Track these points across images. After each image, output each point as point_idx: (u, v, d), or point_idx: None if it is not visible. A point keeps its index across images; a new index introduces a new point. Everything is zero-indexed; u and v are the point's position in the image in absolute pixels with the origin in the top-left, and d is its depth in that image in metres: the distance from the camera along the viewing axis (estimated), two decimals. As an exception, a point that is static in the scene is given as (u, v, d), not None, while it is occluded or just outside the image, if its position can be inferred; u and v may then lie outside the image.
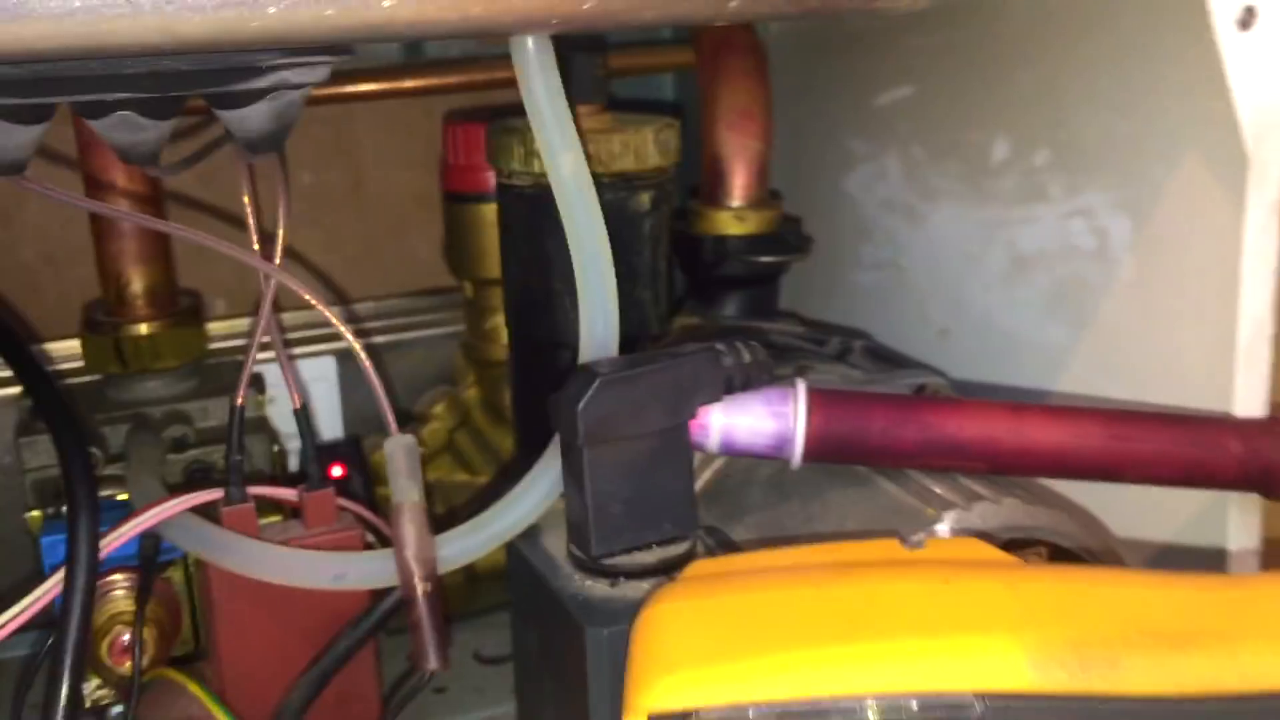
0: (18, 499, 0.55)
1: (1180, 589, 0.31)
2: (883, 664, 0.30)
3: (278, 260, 0.43)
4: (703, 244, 0.57)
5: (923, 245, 0.61)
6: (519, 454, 0.58)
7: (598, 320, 0.40)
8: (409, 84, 0.66)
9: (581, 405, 0.37)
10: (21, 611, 0.42)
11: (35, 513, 0.52)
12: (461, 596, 0.60)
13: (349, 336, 0.42)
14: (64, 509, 0.50)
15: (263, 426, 0.58)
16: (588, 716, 0.37)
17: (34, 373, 0.46)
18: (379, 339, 0.69)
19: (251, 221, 0.44)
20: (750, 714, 0.30)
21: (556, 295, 0.52)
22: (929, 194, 0.60)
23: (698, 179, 0.59)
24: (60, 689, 0.39)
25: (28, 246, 0.68)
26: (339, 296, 0.72)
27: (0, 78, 0.32)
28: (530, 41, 0.36)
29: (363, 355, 0.42)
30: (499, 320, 0.64)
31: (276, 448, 0.58)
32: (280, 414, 0.60)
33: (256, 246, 0.44)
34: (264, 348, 0.47)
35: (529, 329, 0.54)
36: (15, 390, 0.60)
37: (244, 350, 0.50)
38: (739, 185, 0.57)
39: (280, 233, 0.43)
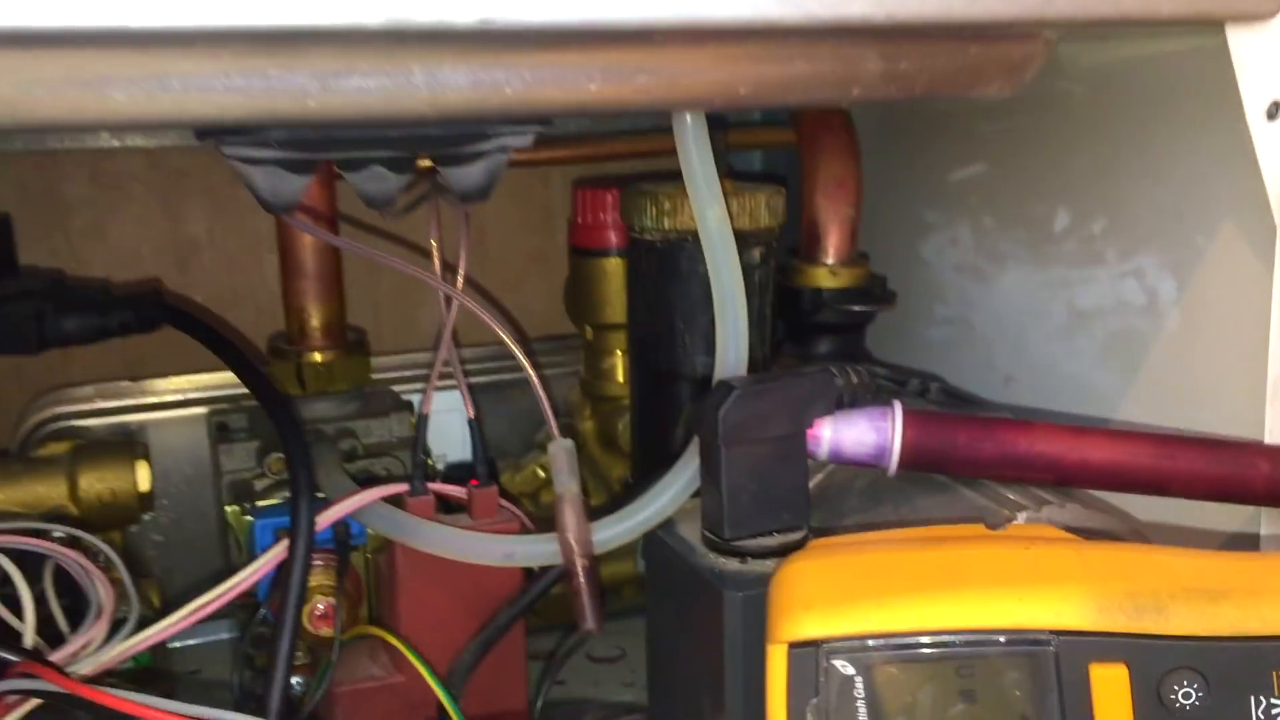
0: (216, 496, 0.65)
1: (1215, 559, 0.39)
2: (975, 605, 0.38)
3: (459, 286, 0.52)
4: (801, 295, 0.66)
5: (990, 303, 0.69)
6: (635, 473, 0.67)
7: (731, 345, 0.49)
8: (542, 155, 0.75)
9: (722, 411, 0.45)
10: (241, 581, 0.51)
11: (232, 508, 0.61)
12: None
13: (520, 355, 0.51)
14: (255, 503, 0.60)
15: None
16: (722, 670, 0.45)
17: (259, 381, 0.55)
18: (505, 376, 0.78)
19: (437, 256, 0.53)
20: (869, 643, 0.38)
21: (677, 333, 0.61)
22: (997, 258, 0.68)
23: (796, 240, 0.68)
24: (284, 637, 0.47)
25: (200, 289, 0.78)
26: (471, 339, 0.81)
27: (289, 137, 0.41)
28: (689, 117, 0.46)
29: (533, 374, 0.51)
30: (614, 360, 0.73)
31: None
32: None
33: (440, 276, 0.54)
34: (429, 375, 0.56)
35: (651, 362, 0.63)
36: (204, 410, 0.70)
37: (428, 370, 0.60)
38: (833, 245, 0.66)
39: (461, 267, 0.53)
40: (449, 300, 0.53)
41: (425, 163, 0.48)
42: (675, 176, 0.60)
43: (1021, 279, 0.66)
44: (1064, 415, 0.64)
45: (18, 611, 0.50)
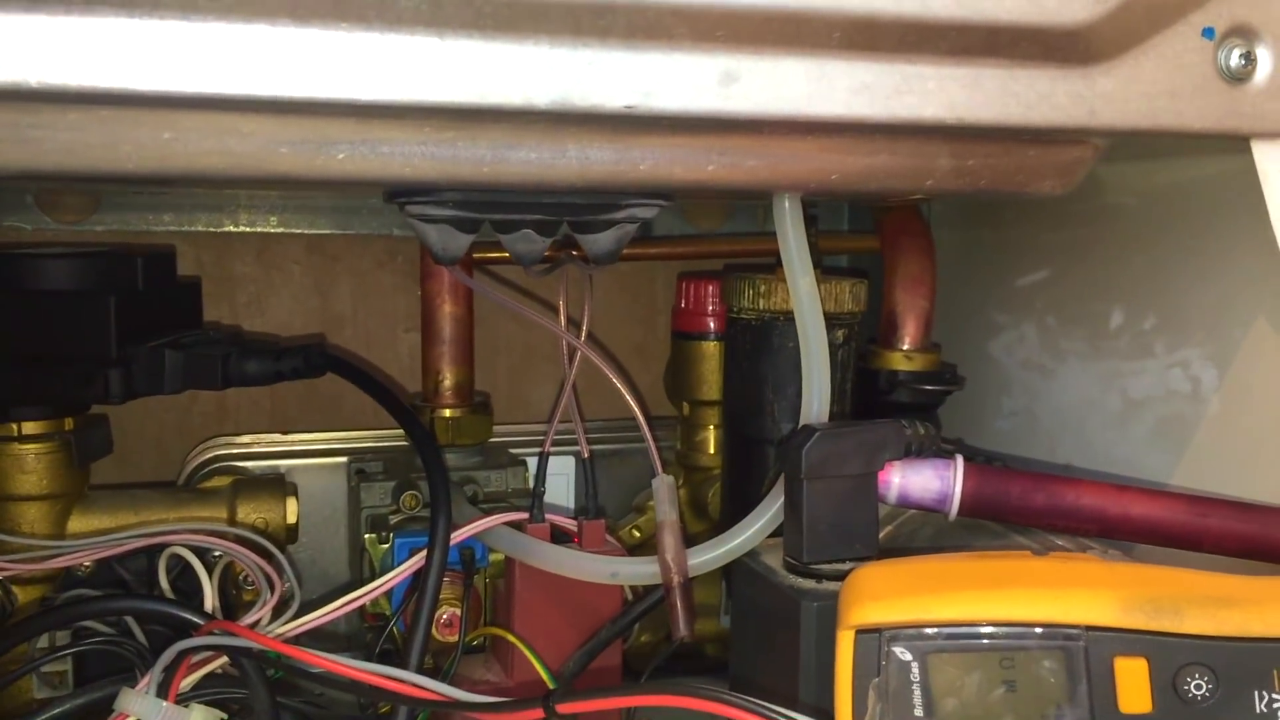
0: (349, 535, 0.74)
1: (1226, 576, 0.46)
2: (1017, 602, 0.44)
3: (583, 337, 0.61)
4: (878, 376, 0.74)
5: (1052, 396, 0.76)
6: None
7: (815, 397, 0.57)
8: (650, 251, 0.85)
9: (806, 448, 0.53)
10: (384, 583, 0.59)
11: (369, 536, 0.69)
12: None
13: (630, 398, 0.60)
14: (390, 534, 0.68)
15: (526, 492, 0.75)
16: (798, 673, 0.52)
17: (408, 417, 0.64)
18: (606, 447, 0.86)
19: (563, 312, 0.62)
20: (925, 631, 0.45)
21: (766, 402, 0.69)
22: (1059, 354, 0.75)
23: (876, 331, 0.77)
24: (418, 632, 0.55)
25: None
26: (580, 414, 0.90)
27: (462, 199, 0.51)
28: (787, 200, 0.55)
29: (639, 412, 0.59)
30: (707, 434, 0.81)
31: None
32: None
33: (565, 329, 0.63)
34: (546, 433, 0.64)
35: (742, 429, 0.71)
36: (342, 460, 0.80)
37: (537, 438, 0.69)
38: (909, 333, 0.74)
39: (584, 323, 0.61)
40: (572, 353, 0.62)
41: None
42: (766, 269, 0.70)
43: (1080, 372, 0.73)
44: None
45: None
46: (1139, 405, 0.69)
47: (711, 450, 0.81)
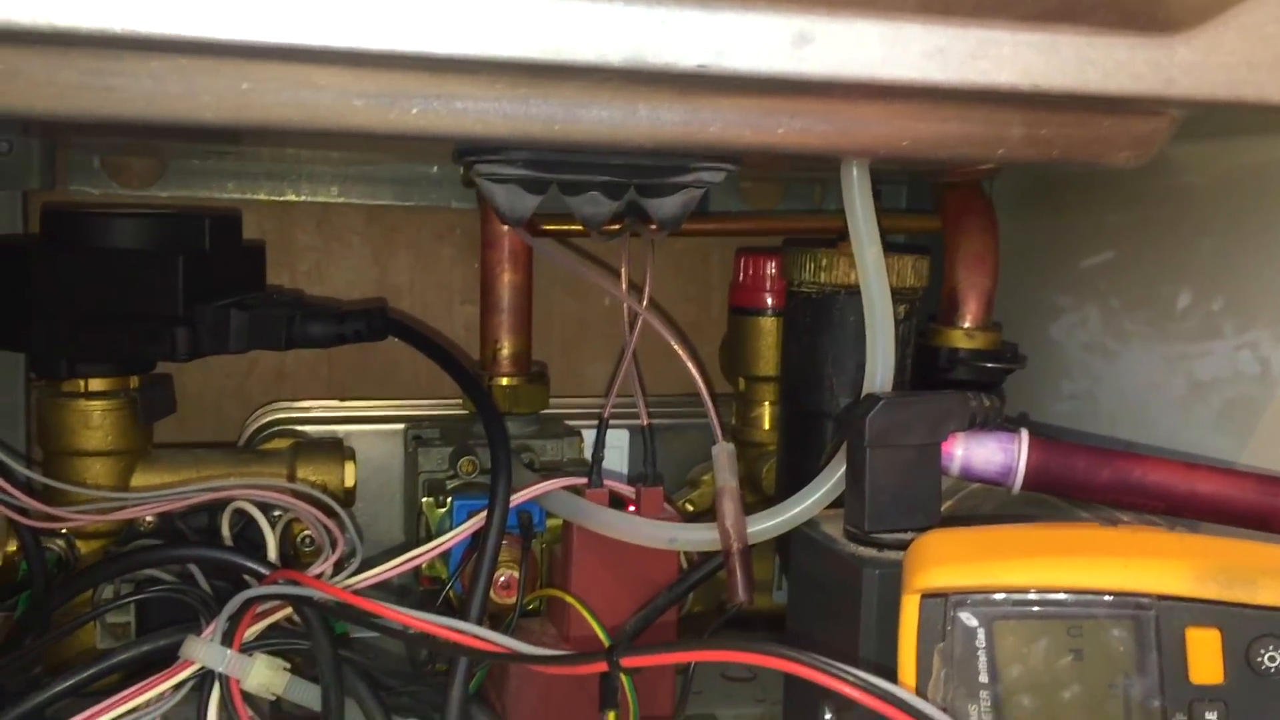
0: (405, 500, 0.74)
1: (1303, 551, 0.45)
2: (1086, 569, 0.44)
3: (644, 304, 0.61)
4: (938, 354, 0.73)
5: (1114, 378, 0.75)
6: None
7: (879, 367, 0.56)
8: (708, 227, 0.85)
9: (870, 416, 0.53)
10: (444, 542, 0.59)
11: (427, 500, 0.69)
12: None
13: (690, 364, 0.59)
14: (448, 498, 0.68)
15: (580, 462, 0.75)
16: (858, 641, 0.52)
17: (468, 379, 0.65)
18: (664, 421, 0.86)
19: (624, 277, 0.62)
20: (991, 597, 0.44)
21: (825, 376, 0.69)
22: (1122, 337, 0.74)
23: (936, 309, 0.76)
24: (479, 588, 0.56)
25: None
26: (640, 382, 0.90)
27: (531, 158, 0.51)
28: (855, 167, 0.54)
29: (699, 378, 0.59)
30: (762, 410, 0.81)
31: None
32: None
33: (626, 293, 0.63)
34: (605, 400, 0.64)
35: (801, 403, 0.71)
36: (398, 427, 0.80)
37: (592, 410, 0.70)
38: (970, 311, 0.73)
39: (646, 288, 0.61)
40: (633, 320, 0.62)
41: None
42: (825, 244, 0.69)
43: (1144, 354, 0.72)
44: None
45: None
46: (1205, 387, 0.68)
47: (766, 426, 0.81)
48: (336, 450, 0.73)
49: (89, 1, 0.39)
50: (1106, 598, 0.44)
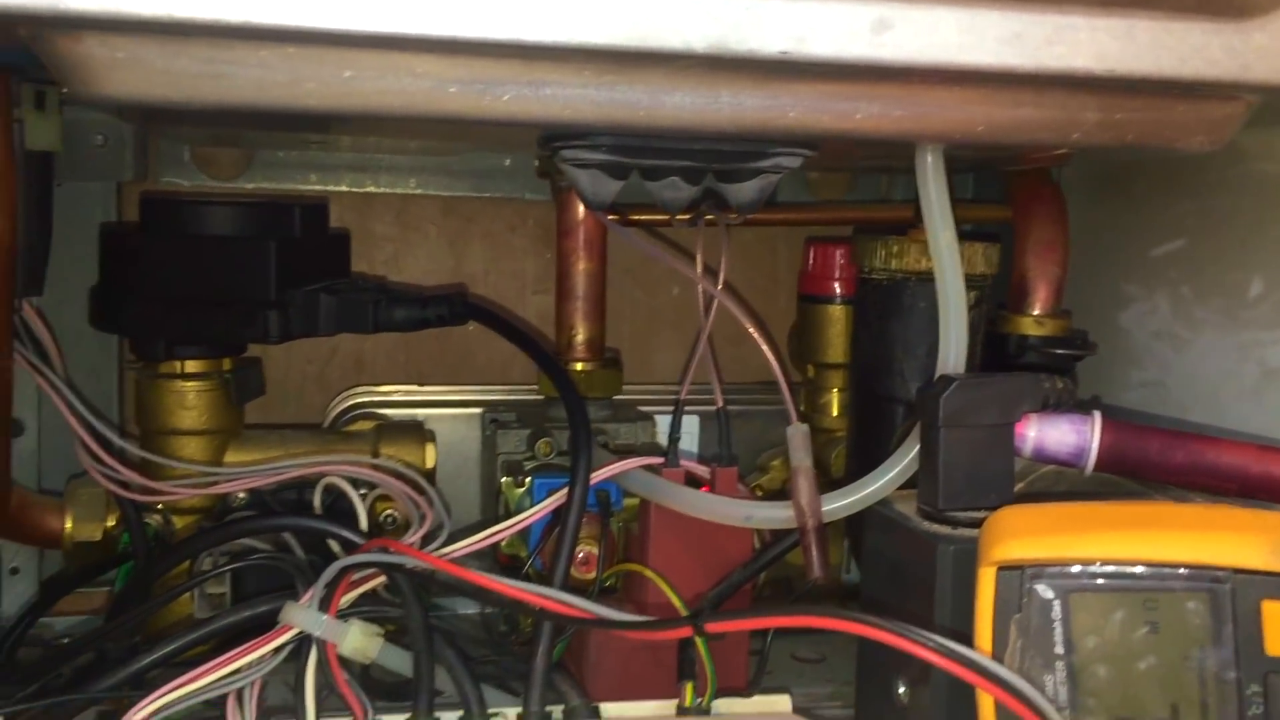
0: (482, 482, 0.76)
1: (1379, 528, 0.45)
2: (1163, 542, 0.45)
3: (720, 287, 0.63)
4: (1008, 341, 0.74)
5: (1185, 367, 0.75)
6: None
7: (952, 350, 0.57)
8: (776, 216, 0.86)
9: (944, 396, 0.54)
10: (526, 518, 0.61)
11: (506, 479, 0.71)
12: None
13: (763, 343, 0.61)
14: (527, 478, 0.70)
15: (654, 447, 0.77)
16: (932, 618, 0.53)
17: (549, 362, 0.67)
18: (732, 409, 0.87)
19: (699, 261, 0.64)
20: (1068, 570, 0.45)
21: (896, 362, 0.70)
22: (1193, 325, 0.75)
23: (1005, 297, 0.77)
24: (561, 560, 0.57)
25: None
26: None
27: (614, 144, 0.53)
28: (930, 151, 0.56)
29: (772, 358, 0.61)
30: (830, 397, 0.82)
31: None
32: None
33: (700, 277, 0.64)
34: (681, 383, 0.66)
35: (871, 388, 0.72)
36: (475, 411, 0.82)
37: (664, 396, 0.71)
38: (1040, 298, 0.74)
39: (721, 273, 0.63)
40: (708, 304, 0.63)
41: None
42: (896, 232, 0.70)
43: (1216, 342, 0.73)
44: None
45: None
46: (1277, 375, 0.68)
47: (835, 413, 0.82)
48: (417, 432, 0.75)
49: (206, -6, 0.41)
50: (1182, 571, 0.45)
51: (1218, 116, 0.55)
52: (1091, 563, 0.45)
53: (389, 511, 0.70)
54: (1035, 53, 0.48)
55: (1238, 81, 0.50)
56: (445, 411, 0.82)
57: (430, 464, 0.74)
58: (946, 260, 0.57)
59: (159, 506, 0.69)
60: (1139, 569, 0.45)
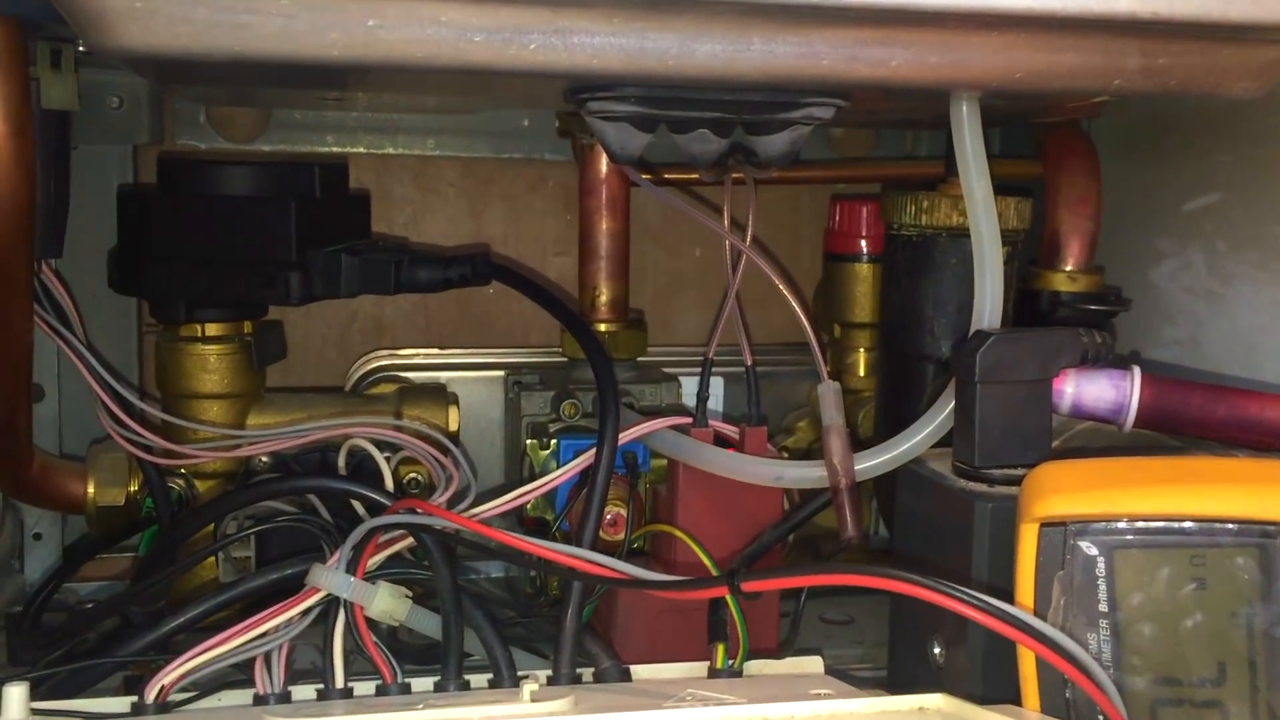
0: (505, 445, 0.76)
1: None
2: (1209, 497, 0.44)
3: (748, 242, 0.61)
4: (1041, 297, 0.73)
5: (1220, 323, 0.74)
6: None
7: (988, 304, 0.56)
8: (800, 174, 0.85)
9: (981, 351, 0.53)
10: (553, 479, 0.60)
11: (531, 441, 0.71)
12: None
13: (790, 295, 0.60)
14: (553, 439, 0.70)
15: (680, 408, 0.76)
16: (970, 575, 0.52)
17: (575, 321, 0.66)
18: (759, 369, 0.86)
19: (727, 216, 0.62)
20: (1112, 525, 0.44)
21: (926, 319, 0.69)
22: (1228, 279, 0.73)
23: (1037, 253, 0.75)
24: (590, 519, 0.57)
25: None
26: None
27: (643, 94, 0.52)
28: (965, 100, 0.54)
29: (799, 307, 0.60)
30: (857, 356, 0.81)
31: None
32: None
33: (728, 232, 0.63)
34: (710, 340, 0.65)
35: (901, 347, 0.71)
36: (496, 374, 0.82)
37: (688, 358, 0.71)
38: (1073, 254, 0.73)
39: (749, 228, 0.62)
40: (735, 260, 0.62)
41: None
42: (927, 186, 0.69)
43: (1252, 297, 0.71)
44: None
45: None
46: (1316, 329, 0.67)
47: (862, 373, 0.81)
48: (440, 395, 0.74)
49: (226, -62, 0.40)
50: (1230, 526, 0.43)
51: (1263, 61, 0.53)
52: (1136, 518, 0.44)
53: (413, 475, 0.69)
54: (1076, -4, 0.46)
55: (1284, 24, 0.49)
56: (467, 374, 0.82)
57: (454, 426, 0.73)
58: (982, 212, 0.55)
59: (181, 470, 0.68)
60: (1186, 524, 0.44)
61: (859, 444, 0.77)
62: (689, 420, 0.62)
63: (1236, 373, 0.72)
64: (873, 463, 0.57)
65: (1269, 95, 0.55)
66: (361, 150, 0.87)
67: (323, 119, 0.85)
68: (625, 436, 0.60)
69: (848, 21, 0.48)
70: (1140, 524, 0.44)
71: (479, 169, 0.90)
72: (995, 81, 0.51)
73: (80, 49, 0.63)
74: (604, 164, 0.75)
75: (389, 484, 0.61)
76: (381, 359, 0.82)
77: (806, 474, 0.58)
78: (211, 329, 0.68)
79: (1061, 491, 0.45)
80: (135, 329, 0.79)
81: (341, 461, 0.64)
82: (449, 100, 0.77)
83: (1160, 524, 0.44)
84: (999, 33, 0.50)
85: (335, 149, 0.86)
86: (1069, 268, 0.73)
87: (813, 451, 0.82)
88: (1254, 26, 0.49)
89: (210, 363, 0.68)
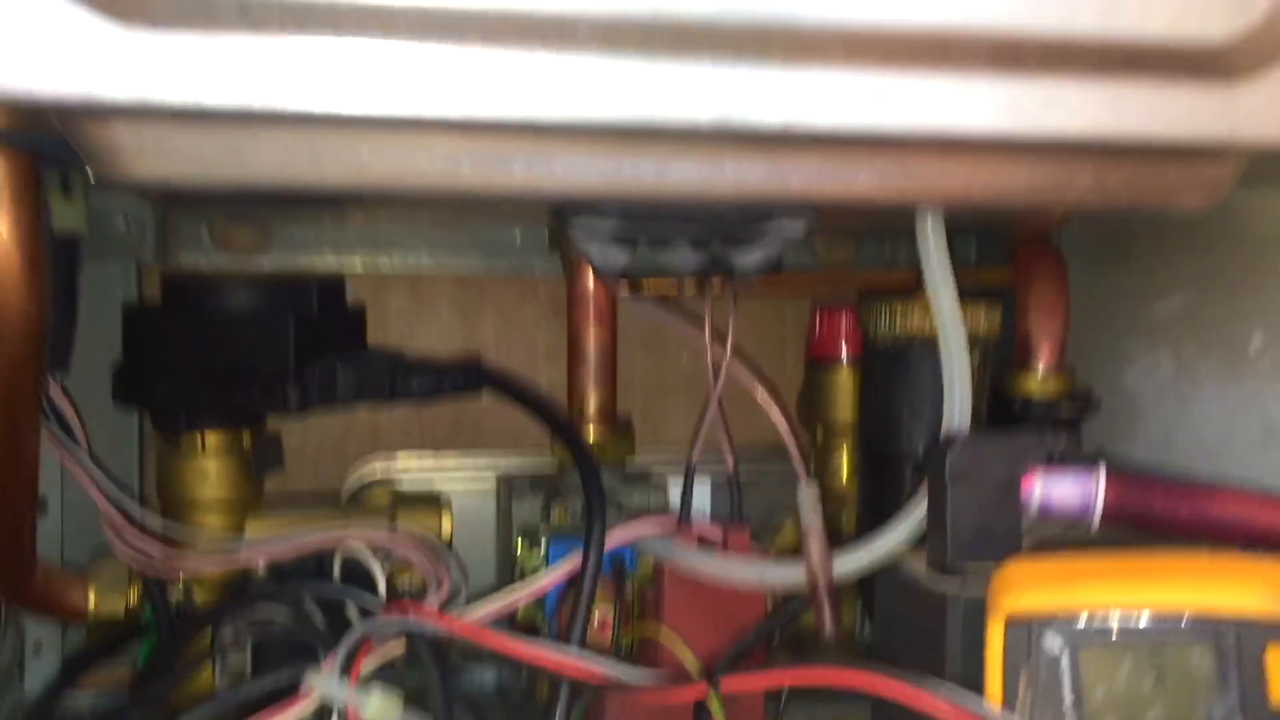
0: (498, 549, 0.77)
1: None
2: (1165, 591, 0.46)
3: (729, 354, 0.64)
4: (1013, 401, 0.75)
5: (1189, 422, 0.76)
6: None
7: (957, 409, 0.59)
8: (784, 283, 0.88)
9: (951, 454, 0.55)
10: (543, 582, 0.62)
11: (521, 545, 0.73)
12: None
13: (772, 402, 0.62)
14: (544, 541, 0.71)
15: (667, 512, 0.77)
16: (944, 670, 0.53)
17: (565, 428, 0.68)
18: (745, 472, 0.88)
19: (708, 325, 0.65)
20: (1074, 622, 0.46)
21: (903, 421, 0.71)
22: (1196, 381, 0.76)
23: (1006, 357, 0.78)
24: (579, 620, 0.58)
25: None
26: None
27: (623, 213, 0.55)
28: (930, 215, 0.57)
29: (780, 415, 0.62)
30: (840, 458, 0.83)
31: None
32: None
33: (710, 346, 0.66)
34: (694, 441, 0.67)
35: (879, 447, 0.73)
36: (489, 476, 0.84)
37: (674, 462, 0.73)
38: (1043, 358, 0.76)
39: (730, 336, 0.64)
40: (717, 369, 0.65)
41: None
42: (902, 295, 0.72)
43: (1218, 398, 0.74)
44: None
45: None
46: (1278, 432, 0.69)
47: (845, 476, 0.83)
48: (434, 502, 0.76)
49: (231, 84, 0.43)
50: (1185, 619, 0.45)
51: (1209, 177, 0.56)
52: (1097, 613, 0.46)
53: (407, 578, 0.71)
54: (1031, 118, 0.49)
55: (1226, 142, 0.52)
56: (460, 475, 0.84)
57: (446, 534, 0.75)
58: (948, 320, 0.58)
59: (180, 578, 0.70)
60: (1143, 618, 0.46)
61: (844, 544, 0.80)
62: (674, 523, 0.64)
63: (1206, 470, 0.74)
64: (848, 562, 0.59)
65: (1223, 207, 0.58)
66: (358, 263, 0.90)
67: (321, 234, 0.88)
68: (611, 542, 0.62)
69: (813, 147, 0.51)
70: (1101, 619, 0.46)
71: (472, 280, 0.93)
72: (956, 197, 0.55)
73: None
74: (591, 276, 0.78)
75: (381, 587, 0.62)
76: (377, 462, 0.84)
77: (787, 573, 0.60)
78: (212, 439, 0.71)
79: (1025, 588, 0.47)
80: (136, 440, 0.81)
81: (336, 568, 0.66)
82: (443, 215, 0.80)
83: (1120, 619, 0.46)
84: (959, 154, 0.53)
85: (333, 261, 0.89)
86: (1039, 371, 0.76)
87: (799, 551, 0.83)
88: (1197, 145, 0.52)
89: (209, 471, 0.70)
